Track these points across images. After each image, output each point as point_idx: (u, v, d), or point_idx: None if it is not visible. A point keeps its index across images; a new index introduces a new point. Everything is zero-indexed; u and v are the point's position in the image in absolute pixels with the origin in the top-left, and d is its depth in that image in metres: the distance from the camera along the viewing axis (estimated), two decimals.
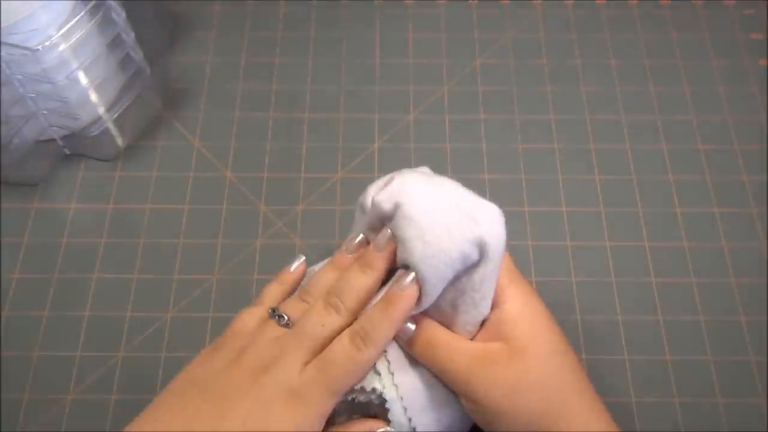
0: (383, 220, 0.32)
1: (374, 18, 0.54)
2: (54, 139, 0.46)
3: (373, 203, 0.32)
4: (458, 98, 0.50)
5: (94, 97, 0.45)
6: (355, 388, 0.31)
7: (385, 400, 0.31)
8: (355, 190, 0.46)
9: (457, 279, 0.31)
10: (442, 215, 0.30)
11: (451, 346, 0.31)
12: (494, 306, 0.32)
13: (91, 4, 0.41)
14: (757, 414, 0.39)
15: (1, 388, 0.39)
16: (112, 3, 0.42)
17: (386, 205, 0.31)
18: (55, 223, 0.45)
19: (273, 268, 0.44)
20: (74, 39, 0.40)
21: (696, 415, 0.39)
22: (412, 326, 0.31)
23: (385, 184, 0.33)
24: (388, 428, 0.31)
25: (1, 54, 0.38)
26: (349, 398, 0.32)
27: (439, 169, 0.47)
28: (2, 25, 0.38)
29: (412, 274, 0.30)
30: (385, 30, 0.54)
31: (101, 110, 0.46)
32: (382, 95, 0.51)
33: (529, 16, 0.54)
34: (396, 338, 0.32)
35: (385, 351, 0.32)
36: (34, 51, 0.38)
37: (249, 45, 0.53)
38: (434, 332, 0.32)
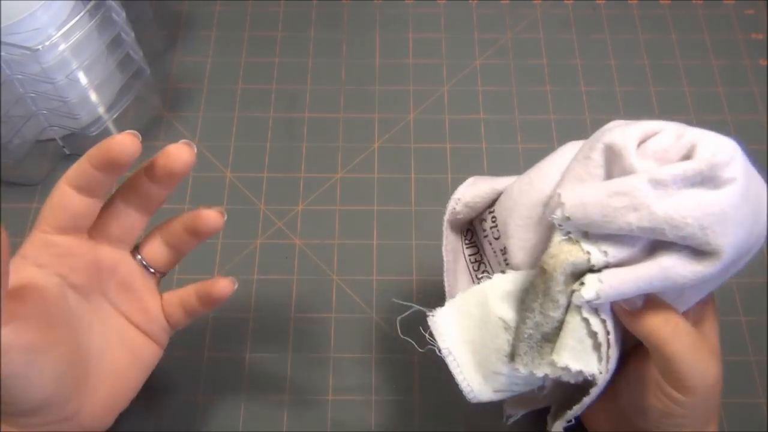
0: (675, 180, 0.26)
1: (374, 18, 0.54)
2: (54, 139, 0.46)
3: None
4: (458, 98, 0.50)
5: (94, 97, 0.45)
6: (581, 370, 0.28)
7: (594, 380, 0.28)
8: (355, 190, 0.47)
9: None
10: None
11: (680, 325, 0.29)
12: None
13: (91, 4, 0.41)
14: (757, 414, 0.39)
15: None
16: (112, 3, 0.42)
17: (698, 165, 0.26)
18: None
19: (273, 268, 0.44)
20: (74, 39, 0.40)
21: None
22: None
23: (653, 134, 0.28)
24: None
25: (1, 54, 0.38)
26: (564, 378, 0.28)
27: (439, 169, 0.47)
28: (2, 25, 0.38)
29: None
30: (385, 30, 0.54)
31: (101, 110, 0.46)
32: (382, 95, 0.51)
33: (529, 16, 0.55)
34: (620, 307, 0.29)
35: (608, 332, 0.28)
36: (34, 51, 0.38)
37: (249, 45, 0.53)
38: (668, 307, 0.29)
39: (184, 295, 0.34)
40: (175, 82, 0.51)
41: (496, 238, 0.33)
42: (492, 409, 0.40)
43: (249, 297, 0.43)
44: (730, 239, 0.26)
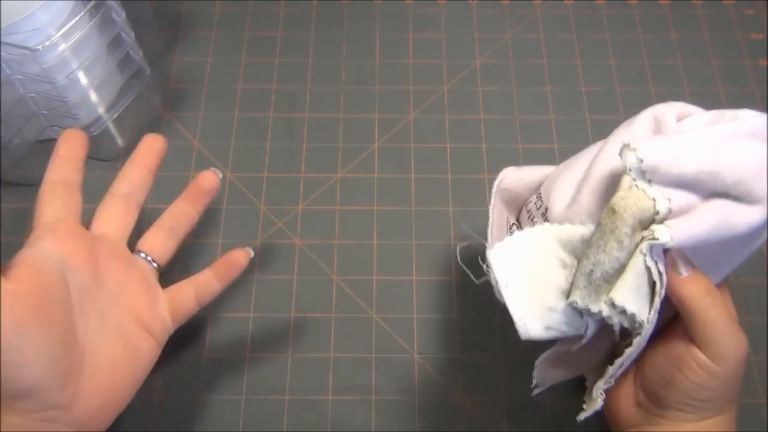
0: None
1: (374, 18, 0.54)
2: (54, 139, 0.46)
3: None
4: (458, 98, 0.50)
5: (94, 97, 0.45)
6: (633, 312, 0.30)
7: (639, 329, 0.30)
8: (355, 190, 0.47)
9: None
10: None
11: (719, 297, 0.31)
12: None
13: (91, 4, 0.41)
14: (757, 414, 0.39)
15: None
16: (112, 3, 0.42)
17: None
18: None
19: (273, 268, 0.44)
20: (74, 39, 0.40)
21: None
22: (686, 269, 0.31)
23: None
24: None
25: (1, 54, 0.38)
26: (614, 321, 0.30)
27: (439, 169, 0.47)
28: (2, 25, 0.38)
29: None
30: (385, 30, 0.54)
31: (101, 110, 0.46)
32: (382, 95, 0.51)
33: (529, 16, 0.55)
34: (671, 268, 0.31)
35: (663, 285, 0.30)
36: (34, 51, 0.38)
37: (249, 45, 0.53)
38: (707, 280, 0.31)
39: (196, 280, 0.37)
40: (175, 82, 0.51)
41: (538, 208, 0.35)
42: (492, 408, 0.40)
43: (249, 297, 0.43)
44: None
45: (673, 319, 0.33)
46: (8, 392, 0.28)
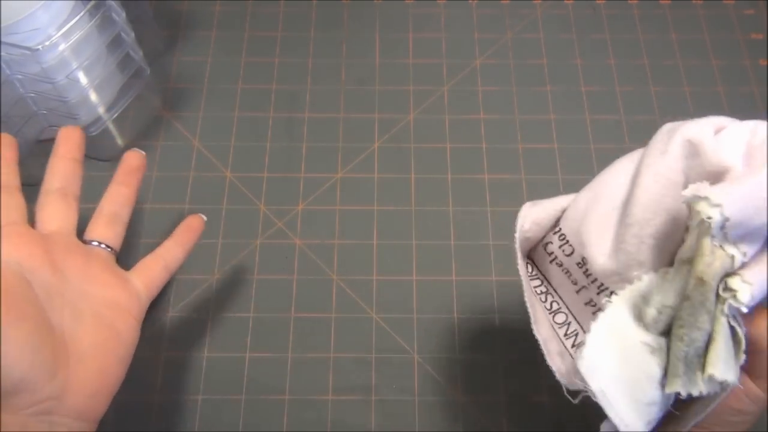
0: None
1: (374, 18, 0.54)
2: (54, 139, 0.46)
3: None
4: (458, 98, 0.50)
5: (94, 97, 0.45)
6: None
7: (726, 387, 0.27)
8: (355, 190, 0.47)
9: None
10: None
11: None
12: None
13: (91, 4, 0.41)
14: None
15: None
16: (112, 3, 0.42)
17: None
18: None
19: (273, 268, 0.44)
20: (74, 39, 0.40)
21: None
22: None
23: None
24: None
25: (1, 54, 0.38)
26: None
27: (439, 169, 0.47)
28: (2, 25, 0.38)
29: None
30: (385, 30, 0.54)
31: (101, 110, 0.46)
32: (382, 95, 0.51)
33: (529, 16, 0.55)
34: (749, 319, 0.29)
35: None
36: (34, 51, 0.38)
37: (249, 45, 0.53)
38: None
39: (160, 251, 0.38)
40: (175, 82, 0.51)
41: (568, 255, 0.32)
42: (492, 408, 0.40)
43: (249, 297, 0.43)
44: None
45: None
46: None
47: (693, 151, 0.28)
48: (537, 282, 0.34)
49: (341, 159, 0.48)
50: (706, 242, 0.25)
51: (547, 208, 0.33)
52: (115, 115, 0.46)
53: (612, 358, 0.28)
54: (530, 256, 0.35)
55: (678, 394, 0.27)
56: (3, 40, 0.38)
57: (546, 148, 0.48)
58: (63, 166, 0.37)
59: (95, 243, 0.36)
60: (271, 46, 0.53)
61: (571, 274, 0.31)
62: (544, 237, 0.34)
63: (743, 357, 0.27)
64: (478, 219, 0.46)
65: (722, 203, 0.24)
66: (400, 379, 0.41)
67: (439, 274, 0.44)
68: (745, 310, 0.26)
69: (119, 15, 0.43)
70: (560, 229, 0.32)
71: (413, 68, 0.52)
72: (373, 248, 0.44)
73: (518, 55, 0.52)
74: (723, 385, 0.27)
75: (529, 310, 0.32)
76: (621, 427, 0.27)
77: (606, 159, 0.49)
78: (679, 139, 0.28)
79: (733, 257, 0.25)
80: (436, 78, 0.51)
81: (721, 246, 0.25)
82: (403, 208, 0.46)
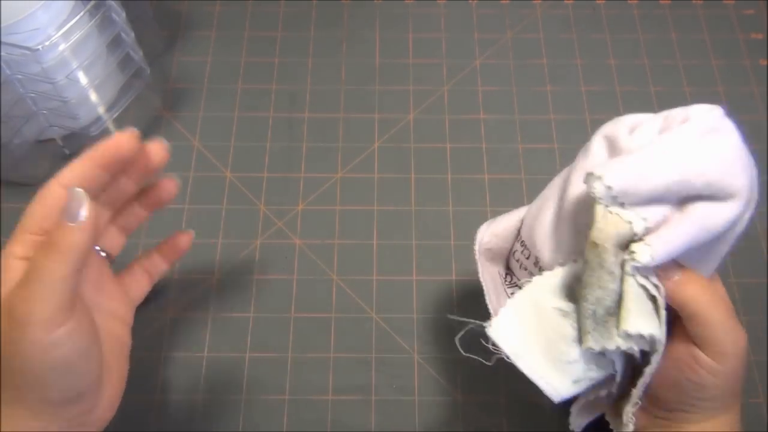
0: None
1: (374, 18, 0.54)
2: (54, 139, 0.46)
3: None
4: (458, 98, 0.50)
5: (94, 97, 0.45)
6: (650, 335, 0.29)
7: (653, 352, 0.30)
8: (355, 190, 0.47)
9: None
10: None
11: (716, 293, 0.31)
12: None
13: (91, 4, 0.41)
14: (757, 414, 0.39)
15: None
16: (112, 3, 0.42)
17: None
18: None
19: (273, 268, 0.44)
20: (74, 39, 0.40)
21: None
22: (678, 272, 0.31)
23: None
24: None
25: (1, 54, 0.38)
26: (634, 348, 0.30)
27: (439, 168, 0.47)
28: (2, 25, 0.38)
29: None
30: (385, 30, 0.54)
31: (101, 110, 0.46)
32: (382, 95, 0.51)
33: (529, 16, 0.55)
34: (663, 275, 0.31)
35: (663, 296, 0.30)
36: (34, 51, 0.38)
37: (249, 45, 0.53)
38: (701, 276, 0.31)
39: (145, 263, 0.38)
40: (175, 82, 0.51)
41: (527, 258, 0.34)
42: (492, 408, 0.40)
43: (249, 297, 0.43)
44: (742, 181, 0.29)
45: (671, 322, 0.33)
46: (59, 400, 0.29)
47: (611, 145, 0.31)
48: (514, 289, 0.36)
49: (341, 159, 0.48)
50: (598, 209, 0.28)
51: (503, 221, 0.36)
52: (115, 115, 0.46)
53: (525, 324, 0.31)
54: (508, 266, 0.37)
55: (627, 362, 0.31)
56: (3, 40, 0.38)
57: (546, 148, 0.48)
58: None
59: (97, 248, 0.36)
60: (271, 45, 0.53)
61: (532, 275, 0.34)
62: (512, 246, 0.36)
63: (664, 314, 0.29)
64: (478, 219, 0.45)
65: (603, 175, 0.28)
66: (400, 379, 0.41)
67: (439, 274, 0.44)
68: (638, 269, 0.28)
69: (119, 15, 0.43)
70: (520, 236, 0.35)
71: (413, 68, 0.52)
72: (373, 248, 0.44)
73: (518, 55, 0.52)
74: (651, 343, 0.29)
75: (488, 302, 0.35)
76: (544, 387, 0.30)
77: None
78: (598, 137, 0.32)
79: (630, 222, 0.28)
80: (436, 78, 0.51)
81: (616, 213, 0.28)
82: (403, 208, 0.46)
